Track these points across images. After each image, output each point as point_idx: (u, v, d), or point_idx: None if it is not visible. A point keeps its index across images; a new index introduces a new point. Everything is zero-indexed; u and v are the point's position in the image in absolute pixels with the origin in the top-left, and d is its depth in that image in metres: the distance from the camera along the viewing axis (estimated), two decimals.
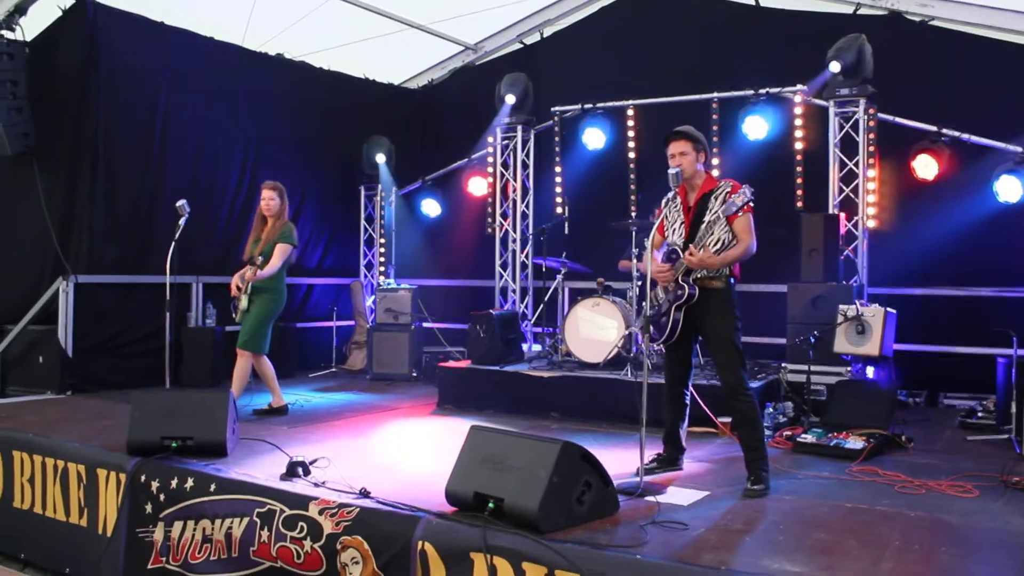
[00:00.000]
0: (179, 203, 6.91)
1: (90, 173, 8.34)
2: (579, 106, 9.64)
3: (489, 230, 10.26)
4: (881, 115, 8.10)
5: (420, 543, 4.01)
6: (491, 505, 4.01)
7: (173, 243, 6.82)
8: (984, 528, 4.21)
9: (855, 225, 8.10)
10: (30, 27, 8.29)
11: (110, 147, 8.46)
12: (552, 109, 9.88)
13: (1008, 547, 3.93)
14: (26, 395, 8.04)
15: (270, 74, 10.11)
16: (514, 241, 10.11)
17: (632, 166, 9.53)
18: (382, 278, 10.91)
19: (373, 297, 10.51)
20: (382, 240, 11.11)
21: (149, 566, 5.02)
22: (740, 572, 3.50)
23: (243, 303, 6.98)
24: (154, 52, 8.82)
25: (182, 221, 6.89)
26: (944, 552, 3.80)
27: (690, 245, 5.01)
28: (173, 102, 8.97)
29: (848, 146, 8.13)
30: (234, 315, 7.11)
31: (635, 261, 7.57)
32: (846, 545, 3.87)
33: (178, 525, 4.93)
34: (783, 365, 7.48)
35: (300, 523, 4.43)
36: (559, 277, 8.82)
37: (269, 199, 7.17)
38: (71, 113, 8.38)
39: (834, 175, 8.17)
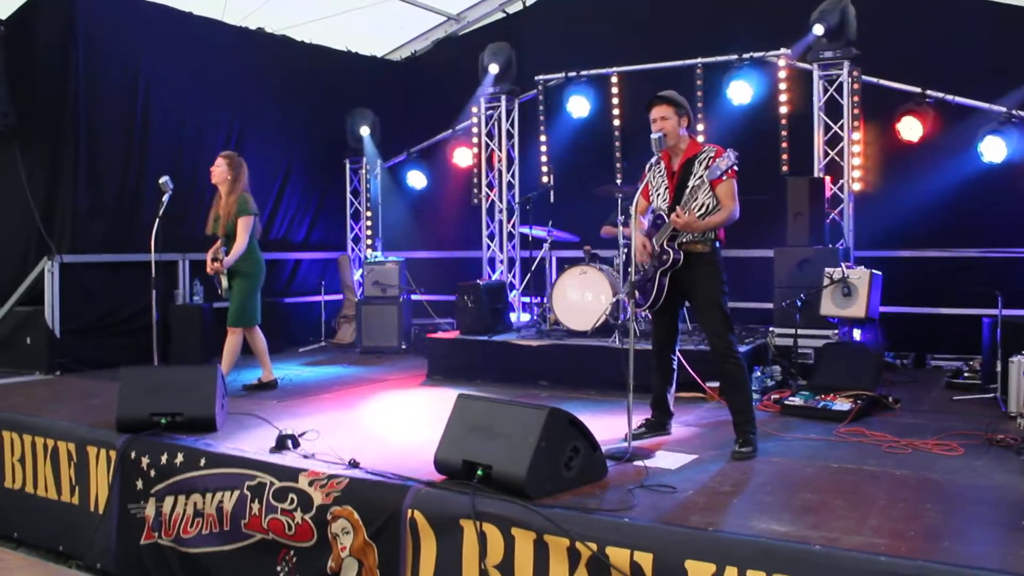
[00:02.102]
0: (162, 180, 6.84)
1: (72, 151, 8.26)
2: (563, 74, 9.59)
3: (475, 201, 10.23)
4: (865, 77, 8.09)
5: (410, 511, 4.04)
6: (480, 472, 4.03)
7: (157, 220, 6.77)
8: (968, 485, 4.25)
9: (840, 188, 8.12)
10: (5, 4, 8.18)
11: (92, 125, 8.38)
12: (536, 78, 9.82)
13: (991, 502, 3.97)
14: (14, 376, 8.00)
15: (251, 49, 10.00)
16: (500, 211, 10.10)
17: (617, 133, 9.49)
18: (369, 251, 10.89)
19: (361, 270, 10.49)
20: (368, 213, 11.07)
21: (142, 542, 5.04)
22: (728, 533, 3.54)
23: (224, 283, 6.95)
24: (134, 28, 8.72)
25: (166, 198, 6.83)
26: (929, 509, 3.84)
27: (676, 207, 5.01)
28: (155, 78, 8.87)
29: (833, 109, 8.12)
30: (219, 291, 7.10)
31: (620, 227, 7.57)
32: (832, 505, 3.91)
33: (169, 500, 4.95)
34: (770, 329, 7.51)
35: (290, 495, 4.45)
36: (545, 246, 8.81)
37: (215, 167, 7.01)
38: (51, 91, 8.30)
39: (819, 138, 8.16)
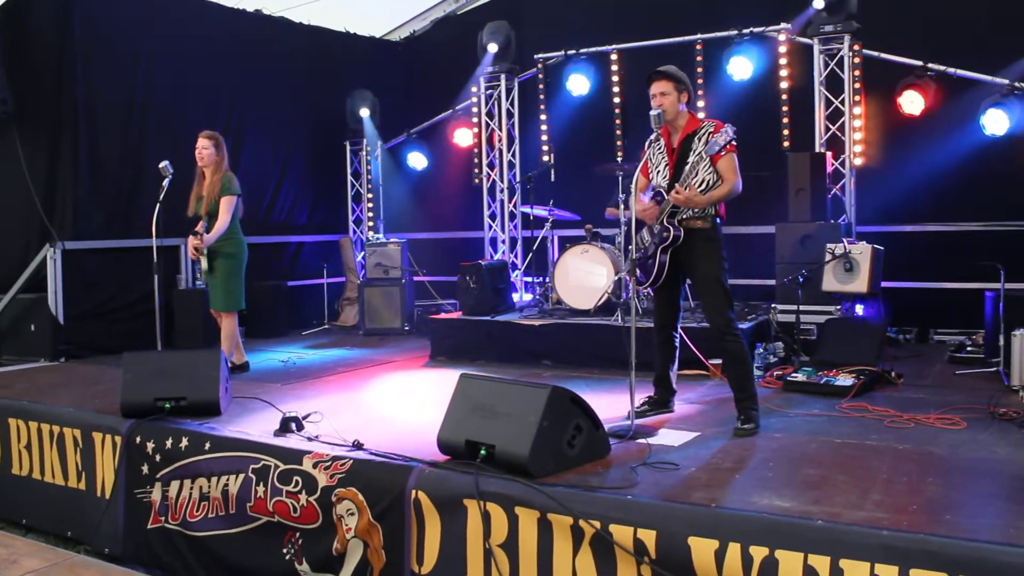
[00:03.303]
0: (162, 164, 6.82)
1: (72, 137, 8.26)
2: (562, 52, 9.54)
3: (476, 181, 10.21)
4: (866, 51, 8.03)
5: (414, 492, 4.06)
6: (483, 452, 4.04)
7: (158, 205, 6.75)
8: (970, 458, 4.26)
9: (842, 163, 8.08)
10: None
11: (91, 110, 8.36)
12: (535, 56, 9.77)
13: (993, 475, 3.99)
14: (20, 364, 8.03)
15: (250, 30, 9.96)
16: (501, 191, 10.07)
17: (617, 111, 9.45)
18: (371, 233, 10.89)
19: (363, 252, 10.49)
20: (369, 195, 11.06)
21: (149, 526, 5.07)
22: (730, 509, 3.55)
23: (204, 264, 6.94)
24: (131, 11, 8.67)
25: (166, 183, 6.80)
26: (931, 483, 3.85)
27: (675, 184, 4.99)
28: (153, 62, 8.84)
29: (833, 84, 8.06)
30: (199, 274, 7.10)
31: (622, 207, 7.55)
32: (835, 480, 3.91)
33: (175, 484, 4.98)
34: (773, 305, 7.51)
35: (295, 477, 4.47)
36: (547, 225, 8.80)
37: (202, 148, 6.95)
38: (49, 78, 8.27)
39: (820, 113, 8.12)
